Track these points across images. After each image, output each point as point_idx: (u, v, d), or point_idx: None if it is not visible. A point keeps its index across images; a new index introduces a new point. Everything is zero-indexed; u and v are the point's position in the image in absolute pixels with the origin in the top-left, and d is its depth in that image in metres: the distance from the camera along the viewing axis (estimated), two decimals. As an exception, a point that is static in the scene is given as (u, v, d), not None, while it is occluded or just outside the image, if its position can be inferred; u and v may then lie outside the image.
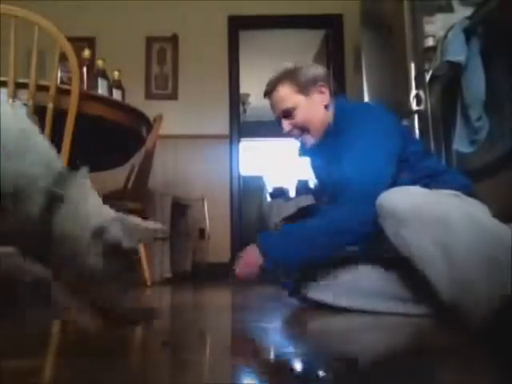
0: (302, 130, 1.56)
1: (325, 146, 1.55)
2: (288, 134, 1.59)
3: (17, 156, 0.77)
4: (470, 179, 1.53)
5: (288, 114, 1.55)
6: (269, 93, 1.58)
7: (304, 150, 1.65)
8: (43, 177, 0.80)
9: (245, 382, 0.74)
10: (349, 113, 1.53)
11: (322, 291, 1.46)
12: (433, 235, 1.09)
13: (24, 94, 1.81)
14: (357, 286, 1.42)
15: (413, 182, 1.36)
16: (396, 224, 1.17)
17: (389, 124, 1.48)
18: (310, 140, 1.57)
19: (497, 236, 1.03)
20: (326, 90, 1.57)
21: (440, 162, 1.64)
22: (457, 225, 1.07)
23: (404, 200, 1.18)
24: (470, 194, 1.38)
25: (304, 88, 1.54)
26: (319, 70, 1.61)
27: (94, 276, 0.85)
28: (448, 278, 1.04)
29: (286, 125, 1.56)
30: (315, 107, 1.55)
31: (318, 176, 1.72)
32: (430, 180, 1.41)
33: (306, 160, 1.74)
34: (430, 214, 1.11)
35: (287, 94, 1.54)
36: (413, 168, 1.45)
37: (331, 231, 1.34)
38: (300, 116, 1.54)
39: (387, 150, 1.41)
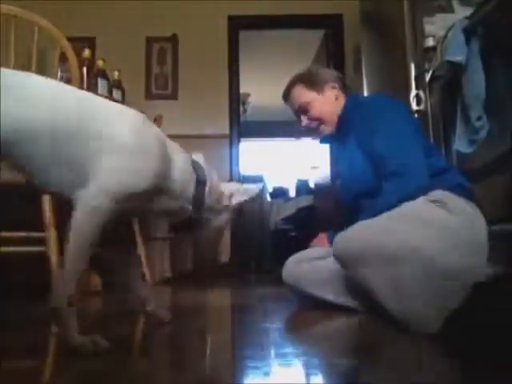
0: (318, 121, 1.72)
1: (341, 134, 1.71)
2: (306, 128, 1.76)
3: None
4: (470, 179, 1.53)
5: (304, 108, 1.72)
6: (285, 96, 1.79)
7: (323, 138, 1.83)
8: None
9: (245, 382, 0.74)
10: (362, 103, 1.68)
11: (322, 288, 1.47)
12: (384, 271, 1.19)
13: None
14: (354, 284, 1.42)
15: None
16: (352, 264, 1.29)
17: (402, 107, 1.65)
18: (327, 130, 1.74)
19: (439, 266, 1.14)
20: (337, 87, 1.73)
21: (441, 159, 1.62)
22: (402, 261, 1.17)
23: (357, 241, 1.28)
24: (465, 194, 1.39)
25: (316, 85, 1.72)
26: (331, 73, 1.80)
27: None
28: (400, 309, 1.15)
29: (304, 119, 1.74)
30: (328, 101, 1.72)
31: (335, 160, 1.95)
32: None
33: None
34: (379, 253, 1.21)
35: (300, 92, 1.73)
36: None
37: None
38: (315, 109, 1.71)
39: (409, 125, 1.55)
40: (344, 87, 1.77)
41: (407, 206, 1.36)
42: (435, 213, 1.32)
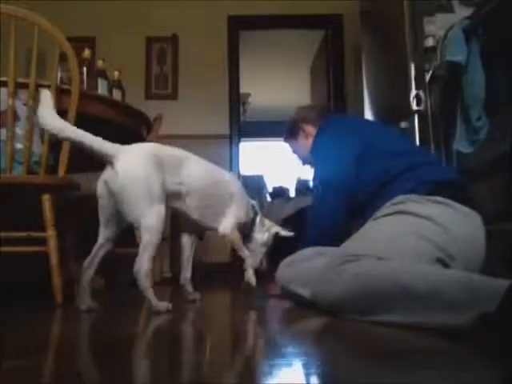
0: (304, 161, 2.00)
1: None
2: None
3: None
4: (470, 179, 1.53)
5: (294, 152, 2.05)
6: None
7: None
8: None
9: (245, 382, 0.74)
10: (323, 129, 1.79)
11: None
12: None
13: (24, 94, 1.81)
14: None
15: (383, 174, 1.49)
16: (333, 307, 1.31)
17: (343, 134, 1.69)
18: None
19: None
20: (307, 127, 1.91)
21: (409, 157, 1.55)
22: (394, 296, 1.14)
23: (334, 290, 1.27)
24: (434, 190, 1.38)
25: (292, 133, 1.98)
26: (306, 112, 1.97)
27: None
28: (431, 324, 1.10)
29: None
30: (302, 144, 1.94)
31: None
32: (404, 176, 1.46)
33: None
34: (356, 297, 1.21)
35: (288, 143, 2.06)
36: (389, 165, 1.51)
37: (316, 235, 1.63)
38: (298, 154, 2.03)
39: (339, 157, 1.61)
40: (321, 115, 1.90)
41: (376, 233, 1.38)
42: (401, 224, 1.34)
